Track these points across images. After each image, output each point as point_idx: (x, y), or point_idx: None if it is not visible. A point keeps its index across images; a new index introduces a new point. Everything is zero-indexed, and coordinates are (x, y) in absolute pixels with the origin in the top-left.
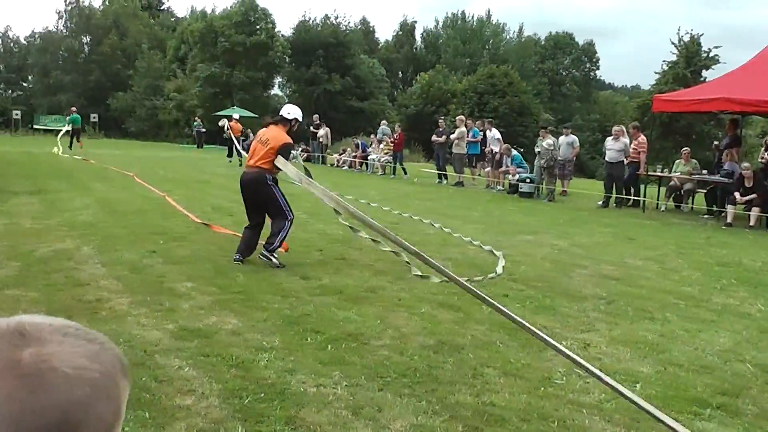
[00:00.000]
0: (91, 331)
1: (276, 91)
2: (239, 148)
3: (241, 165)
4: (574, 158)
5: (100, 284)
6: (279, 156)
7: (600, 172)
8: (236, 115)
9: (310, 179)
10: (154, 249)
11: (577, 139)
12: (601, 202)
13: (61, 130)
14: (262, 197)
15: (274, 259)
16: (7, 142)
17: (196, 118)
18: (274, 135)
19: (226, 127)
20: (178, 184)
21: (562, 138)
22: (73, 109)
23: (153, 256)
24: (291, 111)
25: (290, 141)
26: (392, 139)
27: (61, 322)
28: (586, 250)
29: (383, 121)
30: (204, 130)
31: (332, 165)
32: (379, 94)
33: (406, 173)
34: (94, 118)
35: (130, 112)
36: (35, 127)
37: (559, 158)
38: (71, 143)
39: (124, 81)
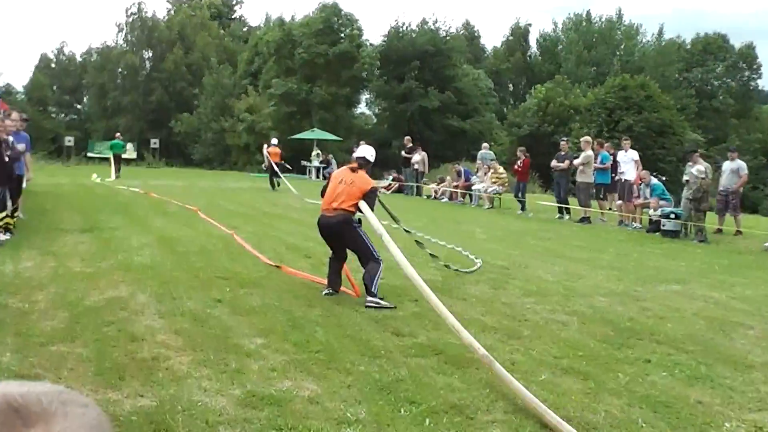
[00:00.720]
0: (77, 393)
1: (362, 109)
2: (278, 172)
3: (276, 187)
4: (741, 189)
5: (158, 339)
6: (363, 201)
7: (765, 205)
8: (275, 140)
9: (399, 224)
10: (220, 297)
11: (744, 165)
12: None
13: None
14: (346, 240)
15: (382, 302)
16: (58, 173)
17: (273, 141)
18: (359, 177)
19: (265, 155)
20: (248, 219)
21: (726, 164)
22: (118, 135)
23: (218, 305)
24: (371, 153)
25: (376, 186)
26: (517, 167)
27: (50, 389)
28: (751, 304)
29: (484, 145)
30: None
31: (429, 196)
32: (485, 111)
33: (524, 209)
34: (154, 143)
35: (195, 137)
36: (89, 155)
37: (720, 188)
38: (117, 170)
39: (189, 101)
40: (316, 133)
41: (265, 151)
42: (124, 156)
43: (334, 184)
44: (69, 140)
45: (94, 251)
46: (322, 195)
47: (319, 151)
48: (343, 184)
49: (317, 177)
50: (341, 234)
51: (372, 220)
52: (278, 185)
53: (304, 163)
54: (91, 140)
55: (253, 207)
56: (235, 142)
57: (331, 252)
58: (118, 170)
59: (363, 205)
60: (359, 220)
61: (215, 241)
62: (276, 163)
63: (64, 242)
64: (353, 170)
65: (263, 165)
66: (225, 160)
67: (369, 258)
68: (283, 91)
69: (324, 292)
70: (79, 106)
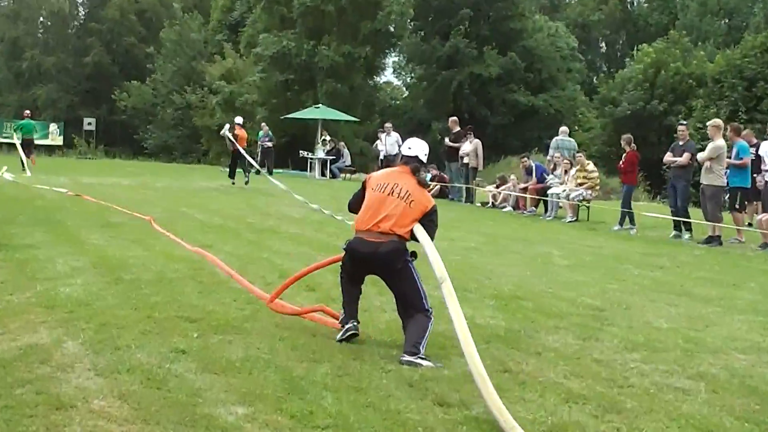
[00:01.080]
0: None
1: (389, 77)
2: (251, 160)
3: (251, 176)
4: None
5: (94, 407)
6: (421, 227)
7: None
8: (239, 119)
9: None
10: (184, 346)
11: None
12: None
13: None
14: (393, 280)
15: (425, 361)
16: None
17: (263, 125)
18: (418, 190)
19: (227, 137)
20: (226, 233)
21: None
22: (27, 113)
23: (182, 358)
24: (425, 149)
25: (434, 203)
26: (621, 163)
27: None
28: None
29: (562, 130)
30: (272, 144)
31: (485, 204)
32: (565, 81)
33: (633, 223)
34: (89, 124)
35: (149, 115)
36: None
37: None
38: (24, 162)
39: (141, 64)
40: (323, 111)
41: (227, 132)
42: (41, 142)
43: (379, 196)
44: None
45: (1, 279)
46: (353, 208)
47: (326, 137)
48: (395, 197)
49: (323, 175)
50: (388, 270)
51: (433, 256)
52: (249, 175)
53: (304, 154)
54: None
55: (234, 216)
56: (206, 122)
57: (347, 272)
58: (25, 161)
59: (421, 232)
60: (413, 252)
61: (178, 265)
62: (244, 150)
63: None
64: (414, 174)
65: (228, 147)
66: (191, 148)
67: (418, 308)
68: (275, 50)
69: (340, 337)
70: None
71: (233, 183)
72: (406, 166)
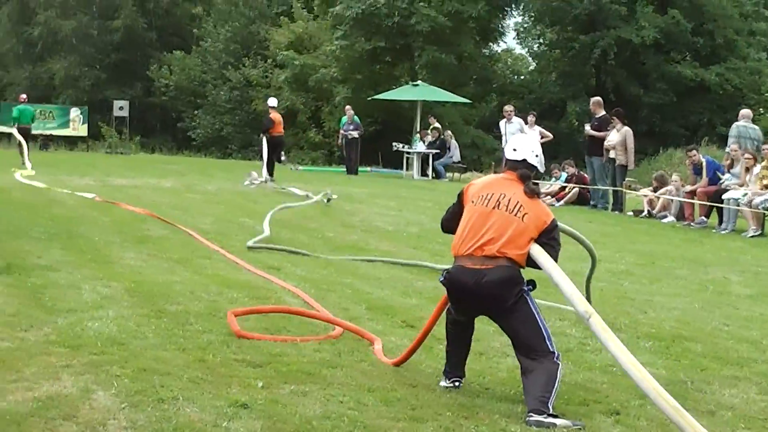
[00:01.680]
0: None
1: (509, 43)
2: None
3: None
4: None
5: None
6: (539, 248)
7: None
8: (273, 101)
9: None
10: (245, 399)
11: None
12: None
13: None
14: (508, 317)
15: (559, 421)
16: None
17: (347, 108)
18: (527, 200)
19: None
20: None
21: None
22: (23, 97)
23: (243, 414)
24: (536, 149)
25: (554, 217)
26: None
27: None
28: None
29: (744, 113)
30: (358, 134)
31: (639, 213)
32: (747, 47)
33: None
34: (120, 109)
35: (197, 97)
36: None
37: None
38: (25, 154)
39: (185, 30)
40: (422, 90)
41: (273, 116)
42: (60, 132)
43: (481, 210)
44: None
45: (12, 311)
46: (448, 226)
47: (435, 124)
48: (503, 211)
49: (423, 174)
50: (498, 305)
51: (567, 286)
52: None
53: (398, 146)
54: (6, 102)
55: (307, 229)
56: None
57: (453, 313)
58: (26, 153)
59: (543, 257)
60: (531, 281)
61: (236, 293)
62: (275, 139)
63: None
64: (522, 181)
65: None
66: (251, 140)
67: (540, 352)
68: (359, 10)
69: (443, 384)
70: None
71: (270, 181)
72: (513, 172)
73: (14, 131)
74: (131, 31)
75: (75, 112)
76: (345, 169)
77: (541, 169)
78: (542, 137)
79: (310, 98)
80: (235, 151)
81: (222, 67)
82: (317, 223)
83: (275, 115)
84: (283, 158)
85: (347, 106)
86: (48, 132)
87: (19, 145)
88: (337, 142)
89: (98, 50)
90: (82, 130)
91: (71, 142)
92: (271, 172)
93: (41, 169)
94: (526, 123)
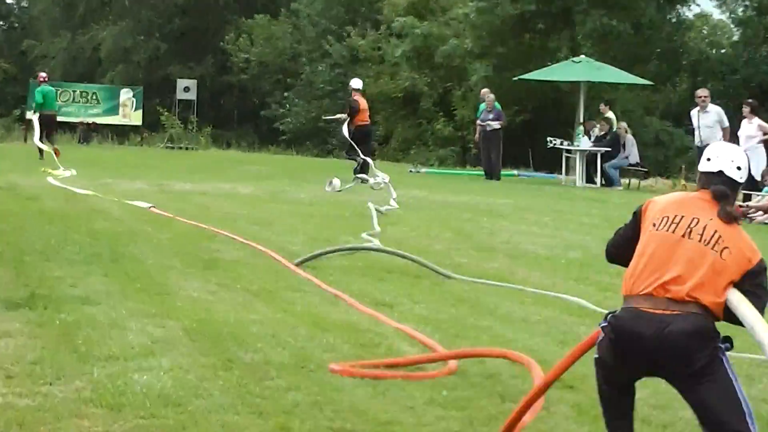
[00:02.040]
0: None
1: (704, 7)
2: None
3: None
4: None
5: None
6: (740, 297)
7: None
8: (357, 82)
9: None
10: None
11: None
12: None
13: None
14: (690, 381)
15: None
16: None
17: (485, 93)
18: (728, 230)
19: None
20: (417, 281)
21: None
22: (43, 75)
23: None
24: (737, 160)
25: (761, 257)
26: None
27: None
28: None
29: None
30: (500, 125)
31: None
32: None
33: None
34: (186, 90)
35: (286, 75)
36: (30, 114)
37: None
38: (41, 149)
39: None
40: (587, 68)
41: (358, 99)
42: (106, 120)
43: (666, 237)
44: None
45: (35, 357)
46: (616, 254)
47: (607, 114)
48: (696, 241)
49: (589, 180)
50: (683, 366)
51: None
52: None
53: (555, 143)
54: (34, 81)
55: (429, 251)
56: (384, 88)
57: (600, 370)
58: (43, 148)
59: (743, 305)
60: (727, 338)
61: (332, 337)
62: (361, 129)
63: None
64: (719, 201)
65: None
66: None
67: (737, 424)
68: None
69: None
70: (9, 0)
71: (360, 179)
72: (707, 190)
73: (35, 120)
74: None
75: (126, 95)
76: (483, 172)
77: (741, 180)
78: (764, 133)
79: (437, 78)
80: (336, 147)
81: (320, 37)
82: (444, 244)
83: (360, 99)
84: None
85: (485, 90)
86: (90, 120)
87: (35, 137)
88: (474, 138)
89: (157, 14)
90: (135, 118)
91: (121, 133)
92: (365, 169)
93: (81, 168)
94: (743, 115)
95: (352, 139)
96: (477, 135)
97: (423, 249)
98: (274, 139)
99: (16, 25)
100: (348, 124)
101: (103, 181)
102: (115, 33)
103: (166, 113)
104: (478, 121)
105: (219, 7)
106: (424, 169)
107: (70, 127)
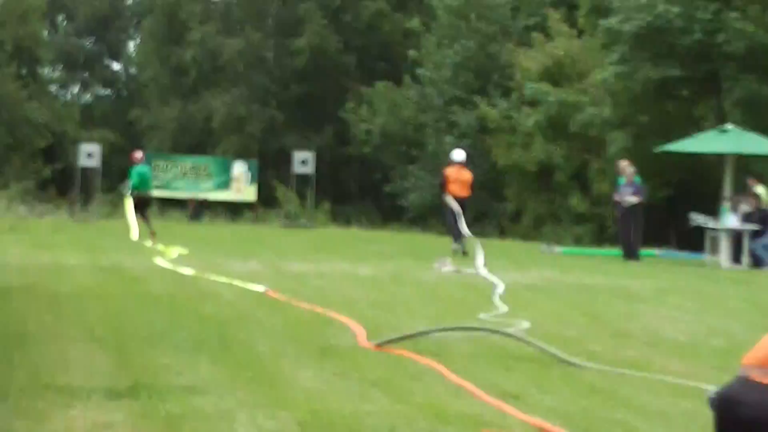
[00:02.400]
0: None
1: None
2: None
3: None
4: None
5: None
6: None
7: None
8: (460, 153)
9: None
10: None
11: None
12: None
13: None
14: None
15: None
16: (53, 238)
17: (623, 164)
18: None
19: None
20: (544, 370)
21: None
22: (139, 155)
23: None
24: None
25: None
26: None
27: None
28: None
29: None
30: (638, 198)
31: None
32: None
33: None
34: (303, 164)
35: (410, 146)
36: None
37: None
38: (143, 226)
39: (395, 56)
40: (735, 138)
41: (447, 171)
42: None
43: None
44: (88, 153)
45: None
46: None
47: (756, 189)
48: None
49: (736, 260)
50: None
51: None
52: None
53: (698, 220)
54: (145, 151)
55: (559, 336)
56: (516, 159)
57: None
58: (145, 219)
59: None
60: None
61: (456, 429)
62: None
63: (59, 427)
64: None
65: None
66: (489, 207)
67: None
68: (643, 24)
69: None
70: (116, 67)
71: (460, 249)
72: None
73: (129, 204)
74: (320, 53)
75: (240, 168)
76: (621, 252)
77: None
78: None
79: (573, 150)
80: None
81: (447, 105)
82: (576, 329)
83: (452, 171)
84: (463, 230)
85: (624, 162)
86: (201, 196)
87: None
88: (614, 215)
89: (273, 80)
90: (249, 194)
91: (234, 209)
92: (458, 238)
93: (191, 248)
94: None
95: (446, 211)
96: (616, 211)
97: (554, 335)
98: (397, 216)
99: (124, 93)
100: (443, 194)
101: (214, 261)
102: (228, 101)
103: (281, 188)
104: (616, 196)
105: (338, 73)
106: (557, 248)
107: (180, 203)
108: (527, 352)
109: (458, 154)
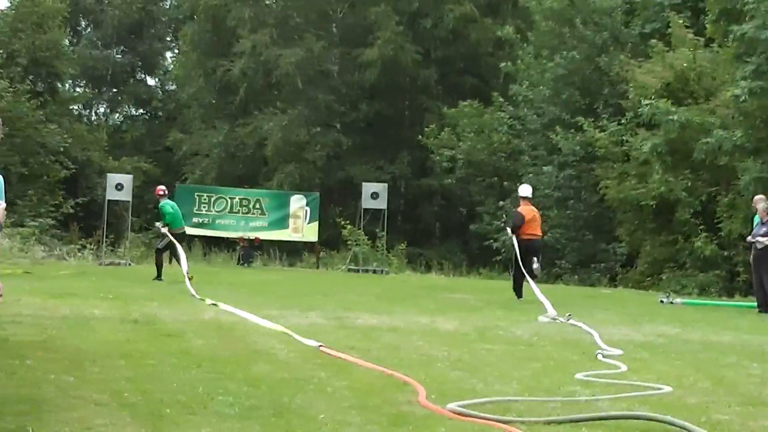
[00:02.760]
0: None
1: None
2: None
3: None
4: None
5: None
6: None
7: None
8: (526, 189)
9: None
10: None
11: None
12: None
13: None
14: None
15: None
16: (77, 284)
17: (760, 200)
18: None
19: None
20: None
21: None
22: (162, 189)
23: None
24: None
25: None
26: None
27: None
28: None
29: None
30: None
31: None
32: None
33: None
34: (374, 197)
35: (502, 178)
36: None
37: None
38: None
39: (485, 70)
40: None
41: (521, 209)
42: (270, 235)
43: None
44: (117, 184)
45: None
46: None
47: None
48: None
49: None
50: None
51: None
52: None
53: None
54: (181, 183)
55: (672, 407)
56: (629, 193)
57: None
58: (176, 261)
59: None
60: None
61: None
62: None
63: None
64: None
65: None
66: (598, 252)
67: None
68: None
69: None
70: (151, 83)
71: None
72: None
73: (165, 233)
74: (395, 65)
75: (298, 202)
76: (756, 304)
77: None
78: None
79: (698, 181)
80: (568, 269)
81: (546, 128)
82: (700, 395)
83: (526, 209)
84: (536, 268)
85: (759, 197)
86: (253, 235)
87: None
88: (747, 259)
89: (338, 99)
90: (310, 233)
91: (291, 251)
92: (518, 289)
93: (239, 297)
94: None
95: (519, 251)
96: (749, 255)
97: (673, 402)
98: (486, 260)
99: (160, 114)
100: (516, 237)
101: (267, 312)
102: (284, 123)
103: (348, 226)
104: (750, 237)
105: (416, 90)
106: (678, 300)
107: (227, 244)
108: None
109: (527, 189)
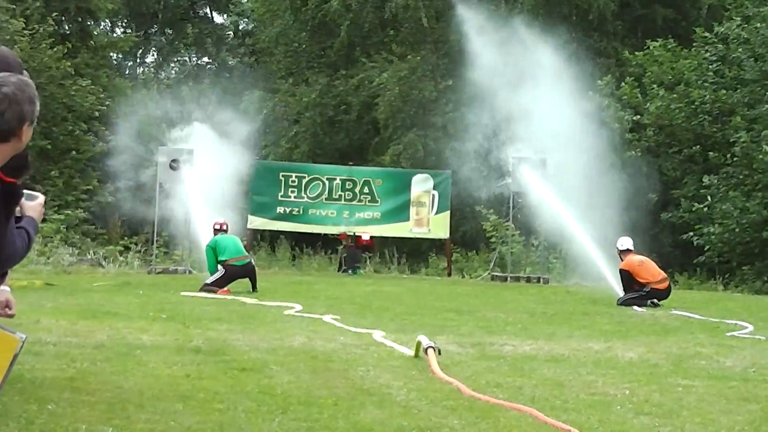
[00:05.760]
0: None
1: None
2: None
3: None
4: None
5: None
6: None
7: None
8: (625, 242)
9: None
10: None
11: None
12: None
13: None
14: None
15: None
16: (126, 304)
17: None
18: None
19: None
20: None
21: None
22: (221, 223)
23: None
24: None
25: None
26: None
27: None
28: None
29: None
30: None
31: None
32: None
33: None
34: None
35: (713, 145)
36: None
37: None
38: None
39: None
40: None
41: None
42: (376, 230)
43: None
44: (172, 160)
45: None
46: None
47: None
48: None
49: None
50: None
51: None
52: None
53: None
54: (266, 158)
55: None
56: None
57: None
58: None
59: None
60: None
61: None
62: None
63: None
64: None
65: None
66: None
67: None
68: None
69: None
70: (219, 21)
71: None
72: None
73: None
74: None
75: (423, 185)
76: None
77: None
78: None
79: None
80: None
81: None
82: None
83: (634, 262)
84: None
85: None
86: (358, 231)
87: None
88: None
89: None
90: (438, 227)
91: (413, 251)
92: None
93: (342, 315)
94: None
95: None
96: None
97: None
98: (683, 261)
99: (231, 63)
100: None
101: (377, 335)
102: (402, 74)
103: (493, 218)
104: None
105: (585, 26)
106: None
107: (325, 242)
108: None
109: (626, 242)
